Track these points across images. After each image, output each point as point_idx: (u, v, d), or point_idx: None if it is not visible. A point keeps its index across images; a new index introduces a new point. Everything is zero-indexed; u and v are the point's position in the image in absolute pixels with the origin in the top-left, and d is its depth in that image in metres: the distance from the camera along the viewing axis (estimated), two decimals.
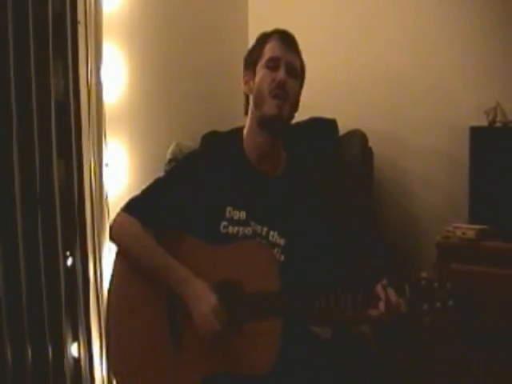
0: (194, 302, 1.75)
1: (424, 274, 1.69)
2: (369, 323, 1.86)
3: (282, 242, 1.87)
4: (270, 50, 1.88)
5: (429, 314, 1.67)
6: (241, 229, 1.86)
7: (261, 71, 1.86)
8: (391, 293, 1.67)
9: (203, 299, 1.74)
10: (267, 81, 1.84)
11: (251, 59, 1.91)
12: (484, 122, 2.61)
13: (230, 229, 1.85)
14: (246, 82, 1.90)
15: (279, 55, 1.86)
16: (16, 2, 2.11)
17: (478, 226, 2.50)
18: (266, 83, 1.84)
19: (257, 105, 1.86)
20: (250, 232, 1.86)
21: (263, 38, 1.92)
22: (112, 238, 1.90)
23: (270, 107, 1.83)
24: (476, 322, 2.38)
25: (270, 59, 1.86)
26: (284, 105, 1.83)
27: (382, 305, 1.67)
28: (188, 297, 1.76)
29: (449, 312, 1.68)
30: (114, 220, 1.89)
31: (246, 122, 1.92)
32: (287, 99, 1.84)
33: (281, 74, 1.84)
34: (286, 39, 1.90)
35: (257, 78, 1.87)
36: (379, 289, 1.68)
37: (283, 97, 1.83)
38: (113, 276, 1.87)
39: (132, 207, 1.87)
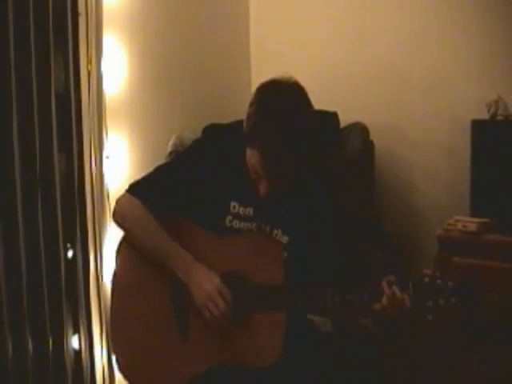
0: (196, 285, 1.75)
1: (427, 271, 1.70)
2: (372, 317, 1.87)
3: (285, 239, 1.88)
4: (253, 160, 1.73)
5: (432, 311, 1.68)
6: (247, 224, 1.86)
7: (249, 162, 1.76)
8: (396, 290, 1.68)
9: (205, 281, 1.74)
10: (255, 177, 1.77)
11: (245, 135, 1.75)
12: (485, 115, 2.60)
13: (236, 223, 1.86)
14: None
15: (259, 172, 1.74)
16: None
17: (479, 219, 2.50)
18: (251, 174, 1.77)
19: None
20: (256, 228, 1.87)
21: (257, 135, 1.71)
22: (115, 220, 1.90)
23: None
24: (477, 316, 2.38)
25: (252, 167, 1.75)
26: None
27: (385, 299, 1.68)
28: (190, 281, 1.76)
29: (451, 309, 1.69)
30: (117, 201, 1.90)
31: None
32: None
33: (262, 188, 1.76)
34: (267, 163, 1.70)
35: (247, 158, 1.77)
36: (384, 284, 1.69)
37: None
38: (116, 265, 1.88)
39: (135, 189, 1.87)
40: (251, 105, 1.76)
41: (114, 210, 1.90)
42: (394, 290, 1.68)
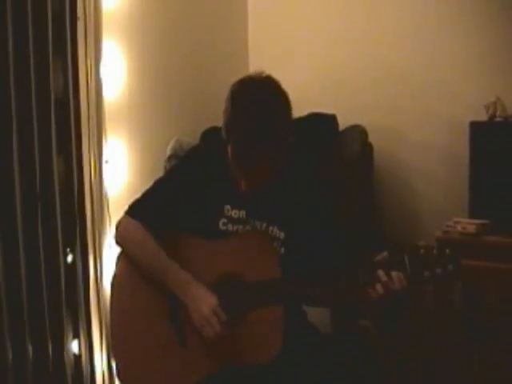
0: (193, 304, 1.76)
1: (422, 243, 1.69)
2: (368, 302, 1.86)
3: (281, 235, 1.89)
4: (231, 159, 1.77)
5: (430, 281, 1.68)
6: (240, 227, 1.87)
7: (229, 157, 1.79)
8: (393, 274, 1.67)
9: (202, 301, 1.75)
10: (233, 172, 1.80)
11: (224, 127, 1.78)
12: (484, 117, 2.61)
13: (230, 226, 1.87)
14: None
15: (240, 173, 1.78)
16: None
17: (478, 221, 2.50)
18: (233, 172, 1.80)
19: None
20: (250, 229, 1.87)
21: (230, 135, 1.75)
22: (117, 242, 1.92)
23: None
24: (477, 317, 2.39)
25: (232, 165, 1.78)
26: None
27: (379, 286, 1.68)
28: (188, 299, 1.77)
29: (449, 277, 1.68)
30: (119, 223, 1.92)
31: None
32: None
33: (243, 185, 1.78)
34: (241, 161, 1.74)
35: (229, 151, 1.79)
36: (381, 273, 1.68)
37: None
38: (115, 275, 1.89)
39: (134, 210, 1.90)
40: (225, 104, 1.79)
41: (116, 232, 1.92)
42: (391, 275, 1.68)
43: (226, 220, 1.87)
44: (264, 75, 1.80)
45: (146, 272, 1.84)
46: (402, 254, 1.69)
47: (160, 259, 1.81)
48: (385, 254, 1.72)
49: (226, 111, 1.78)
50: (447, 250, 1.67)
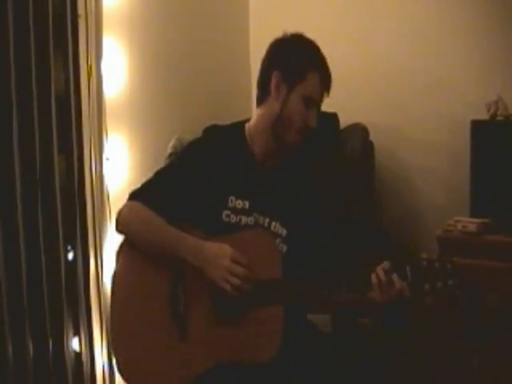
0: (210, 263, 1.74)
1: (424, 255, 1.70)
2: (370, 307, 1.86)
3: (283, 232, 1.89)
4: (313, 87, 1.86)
5: (430, 294, 1.68)
6: (243, 218, 1.87)
7: (297, 101, 1.85)
8: (395, 278, 1.68)
9: (218, 256, 1.74)
10: (300, 118, 1.85)
11: (291, 74, 1.86)
12: (485, 116, 2.61)
13: (233, 217, 1.87)
14: (277, 86, 1.87)
15: (318, 99, 1.87)
16: None
17: (479, 220, 2.50)
18: (297, 119, 1.85)
19: (280, 126, 1.87)
20: (252, 221, 1.88)
21: (310, 60, 1.89)
22: (119, 229, 1.90)
23: (292, 139, 1.87)
24: (478, 316, 2.38)
25: (310, 98, 1.85)
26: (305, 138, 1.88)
27: (382, 289, 1.68)
28: (204, 262, 1.75)
29: (450, 291, 1.69)
30: (120, 210, 1.90)
31: (257, 115, 1.92)
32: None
33: (313, 120, 1.85)
34: (328, 81, 1.89)
35: (290, 103, 1.85)
36: (381, 272, 1.69)
37: (307, 133, 1.87)
38: (115, 272, 1.88)
39: (136, 195, 1.89)
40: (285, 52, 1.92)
41: (117, 220, 1.90)
42: (393, 278, 1.68)
43: (229, 212, 1.87)
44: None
45: (152, 248, 1.82)
46: (404, 264, 1.69)
47: (167, 231, 1.80)
48: (387, 263, 1.72)
49: (294, 56, 1.88)
50: (449, 265, 1.67)
